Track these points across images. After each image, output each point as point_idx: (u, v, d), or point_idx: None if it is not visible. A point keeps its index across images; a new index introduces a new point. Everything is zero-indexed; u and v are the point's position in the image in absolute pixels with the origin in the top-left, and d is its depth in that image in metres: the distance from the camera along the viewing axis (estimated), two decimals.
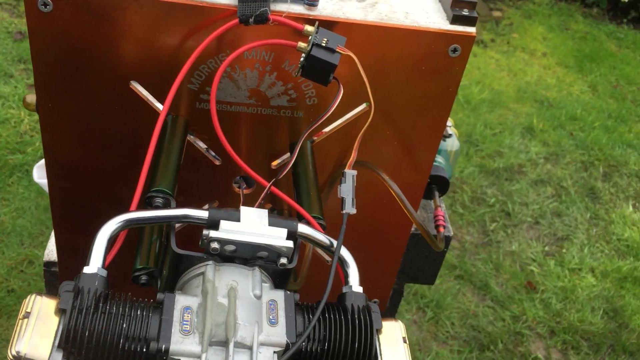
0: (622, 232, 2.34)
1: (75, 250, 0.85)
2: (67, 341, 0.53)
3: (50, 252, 0.92)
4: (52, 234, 0.94)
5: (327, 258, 0.92)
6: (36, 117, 2.37)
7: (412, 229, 0.90)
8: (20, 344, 0.51)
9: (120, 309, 0.56)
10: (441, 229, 0.86)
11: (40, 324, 0.53)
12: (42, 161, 1.03)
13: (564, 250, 2.25)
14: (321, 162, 0.81)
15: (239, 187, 0.85)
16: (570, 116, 2.85)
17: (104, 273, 0.58)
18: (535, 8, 3.61)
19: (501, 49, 3.24)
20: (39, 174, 1.00)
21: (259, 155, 0.82)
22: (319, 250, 0.90)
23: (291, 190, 0.76)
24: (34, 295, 0.54)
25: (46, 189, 0.99)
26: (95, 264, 0.58)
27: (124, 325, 0.55)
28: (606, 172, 2.61)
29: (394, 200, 0.81)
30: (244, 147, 0.80)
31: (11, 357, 0.51)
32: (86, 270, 0.57)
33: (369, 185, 0.81)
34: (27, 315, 0.53)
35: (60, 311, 0.54)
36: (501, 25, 3.42)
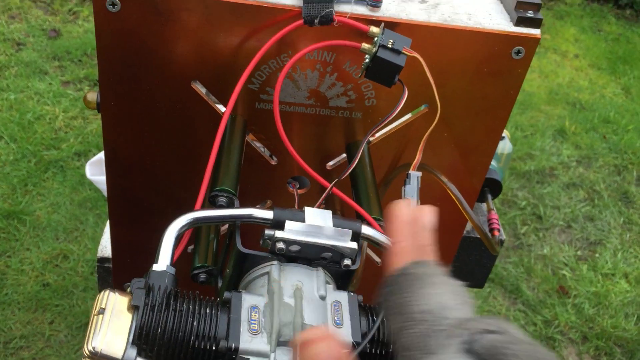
0: None
1: (130, 247, 0.86)
2: (140, 338, 0.53)
3: (104, 247, 0.93)
4: (106, 230, 0.95)
5: (377, 259, 0.92)
6: (71, 113, 2.41)
7: (464, 232, 0.89)
8: (97, 340, 0.52)
9: (190, 306, 0.56)
10: (496, 232, 0.86)
11: (115, 320, 0.53)
12: (95, 158, 1.04)
13: (596, 255, 2.22)
14: (376, 163, 0.81)
15: (292, 188, 0.85)
16: (603, 119, 2.81)
17: (173, 271, 0.58)
18: (567, 9, 3.57)
19: None
20: (92, 171, 1.01)
21: (313, 156, 0.82)
22: (369, 251, 0.90)
23: (346, 191, 0.76)
24: (107, 292, 0.55)
25: (99, 185, 1.00)
26: (163, 262, 0.58)
27: (194, 323, 0.55)
28: None
29: (447, 203, 0.80)
30: (298, 147, 0.80)
31: (87, 352, 0.52)
32: (155, 267, 0.58)
33: (422, 188, 0.81)
34: (102, 311, 0.54)
35: (133, 308, 0.54)
36: None
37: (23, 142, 2.23)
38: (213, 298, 0.59)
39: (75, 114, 2.39)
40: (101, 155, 0.81)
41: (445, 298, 0.44)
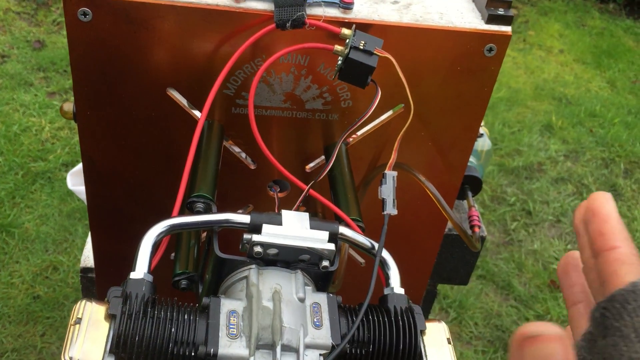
0: None
1: (112, 256, 0.86)
2: (118, 346, 0.53)
3: (87, 258, 0.93)
4: (88, 240, 0.95)
5: (360, 260, 0.92)
6: (57, 124, 2.40)
7: (445, 229, 0.90)
8: (73, 350, 0.52)
9: (168, 313, 0.56)
10: (476, 229, 0.86)
11: (92, 329, 0.53)
12: (75, 168, 1.04)
13: None
14: (354, 164, 0.81)
15: (272, 191, 0.85)
16: (590, 113, 2.83)
17: (150, 278, 0.58)
18: (550, 5, 3.59)
19: (517, 47, 3.22)
20: (73, 181, 1.01)
21: (292, 159, 0.82)
22: (352, 252, 0.91)
23: (326, 193, 0.76)
24: (84, 301, 0.55)
25: (81, 196, 1.00)
26: (141, 269, 0.58)
27: (172, 330, 0.55)
28: (627, 168, 2.59)
29: (428, 202, 0.80)
30: (277, 151, 0.81)
31: None
32: (133, 275, 0.58)
33: (402, 187, 0.81)
34: (79, 321, 0.54)
35: (110, 317, 0.54)
36: (517, 22, 3.40)
37: (10, 155, 2.22)
38: (192, 304, 0.59)
39: (61, 124, 2.38)
40: (81, 165, 0.81)
41: None
